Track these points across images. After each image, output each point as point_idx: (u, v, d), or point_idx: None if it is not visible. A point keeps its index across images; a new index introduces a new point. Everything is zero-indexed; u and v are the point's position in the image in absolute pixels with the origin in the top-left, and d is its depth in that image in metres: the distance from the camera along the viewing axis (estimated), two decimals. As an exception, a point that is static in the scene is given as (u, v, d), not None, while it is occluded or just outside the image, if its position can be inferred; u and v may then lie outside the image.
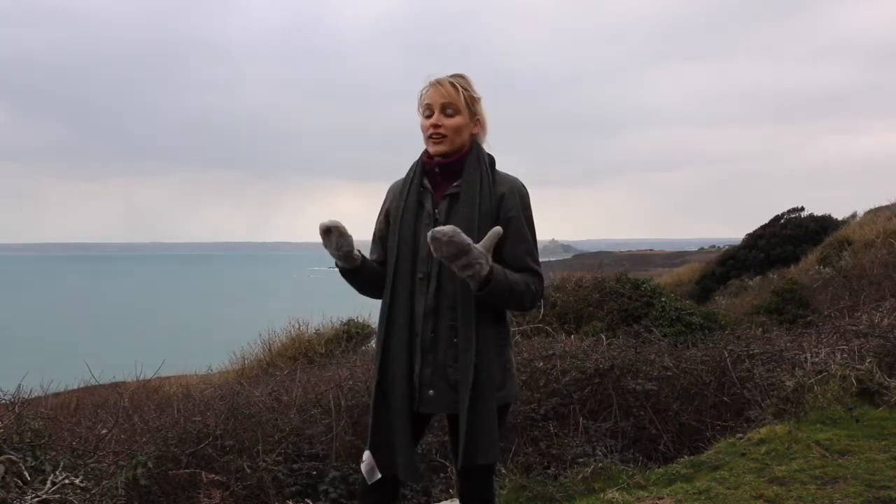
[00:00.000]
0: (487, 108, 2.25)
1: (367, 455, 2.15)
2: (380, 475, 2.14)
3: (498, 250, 2.12)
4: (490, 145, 2.29)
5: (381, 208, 2.32)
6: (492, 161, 2.25)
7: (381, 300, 2.26)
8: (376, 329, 2.27)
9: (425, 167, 2.24)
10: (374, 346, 2.13)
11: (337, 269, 2.22)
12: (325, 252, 2.19)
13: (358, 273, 2.20)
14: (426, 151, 2.25)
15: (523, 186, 2.23)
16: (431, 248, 2.01)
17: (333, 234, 2.10)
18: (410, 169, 2.28)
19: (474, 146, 2.23)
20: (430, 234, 2.00)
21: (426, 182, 2.22)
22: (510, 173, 2.25)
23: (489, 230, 2.09)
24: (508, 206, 2.17)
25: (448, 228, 1.98)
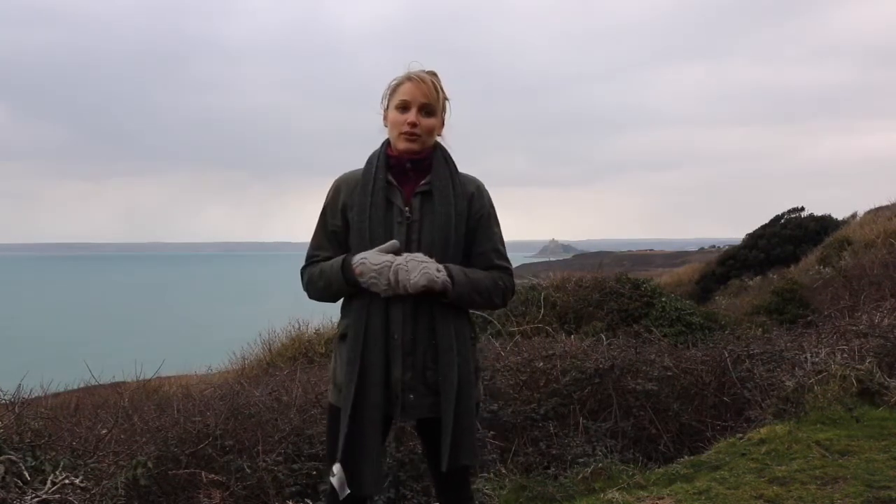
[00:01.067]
0: (459, 106, 2.24)
1: (337, 468, 2.05)
2: (349, 491, 2.05)
3: (467, 249, 2.15)
4: (450, 146, 2.24)
5: (333, 201, 2.19)
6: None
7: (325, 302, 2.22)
8: (342, 333, 2.17)
9: (390, 162, 2.16)
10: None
11: (337, 275, 2.10)
12: None
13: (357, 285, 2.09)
14: (389, 145, 2.18)
15: (484, 185, 2.24)
16: (406, 288, 1.99)
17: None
18: (369, 162, 2.18)
19: (437, 145, 2.20)
20: (407, 282, 1.98)
21: (391, 178, 2.14)
22: (482, 175, 2.25)
23: (462, 228, 2.11)
24: (478, 206, 2.18)
25: (415, 273, 1.98)
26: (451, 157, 2.21)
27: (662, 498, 3.40)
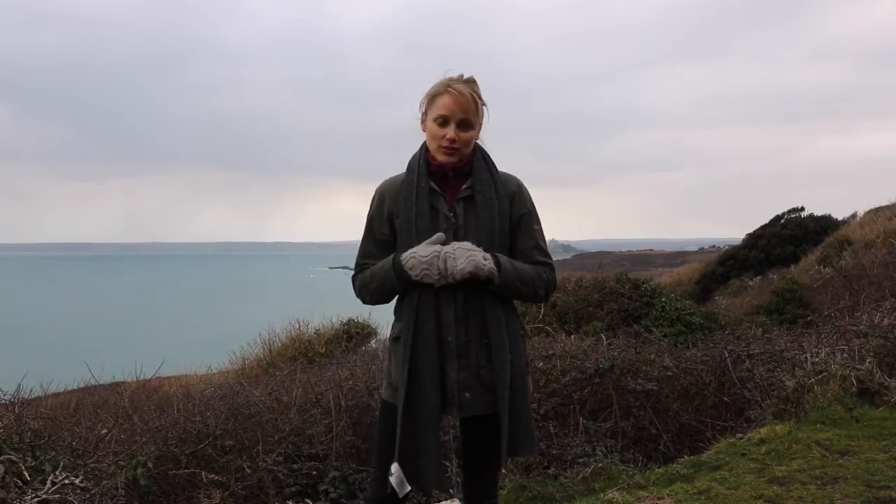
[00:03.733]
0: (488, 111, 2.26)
1: (395, 467, 2.11)
2: (409, 488, 2.12)
3: (511, 246, 2.20)
4: (484, 143, 2.29)
5: (378, 209, 2.23)
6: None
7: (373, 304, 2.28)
8: (395, 336, 2.22)
9: (431, 168, 2.18)
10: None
11: (389, 274, 2.15)
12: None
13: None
14: (428, 151, 2.20)
15: (523, 183, 2.28)
16: (453, 275, 2.06)
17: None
18: (410, 168, 2.20)
19: (477, 147, 2.23)
20: (452, 271, 2.05)
21: (433, 184, 2.17)
22: (508, 172, 2.28)
23: (506, 227, 2.17)
24: (519, 204, 2.22)
25: (462, 260, 2.05)
26: (490, 158, 2.25)
27: (662, 498, 3.40)
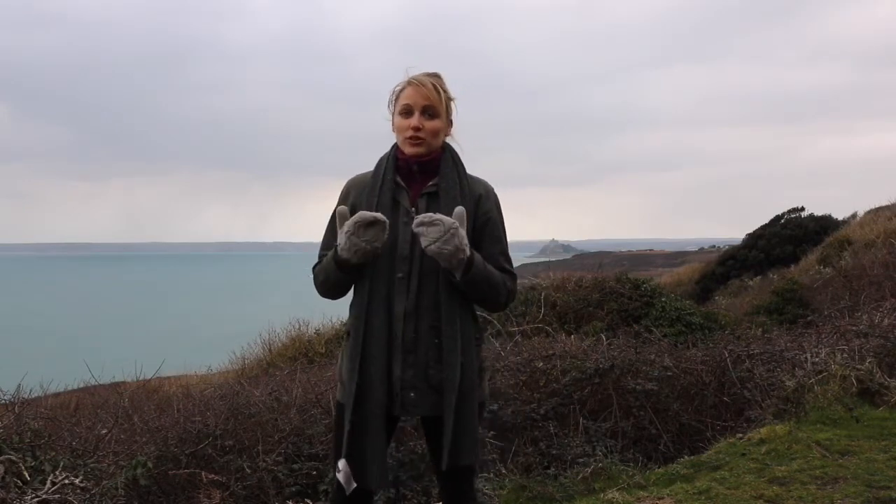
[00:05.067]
0: (458, 108, 2.24)
1: (342, 464, 2.07)
2: (356, 485, 2.07)
3: (475, 249, 2.13)
4: (460, 146, 2.26)
5: (344, 203, 2.19)
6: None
7: (331, 299, 2.23)
8: (346, 330, 2.18)
9: (399, 164, 2.18)
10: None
11: (330, 264, 2.09)
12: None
13: (360, 270, 2.09)
14: (397, 147, 2.20)
15: (494, 189, 2.25)
16: (421, 233, 1.99)
17: (377, 228, 2.01)
18: (379, 164, 2.20)
19: (447, 146, 2.22)
20: (419, 218, 2.00)
21: (399, 179, 2.16)
22: (481, 176, 2.25)
23: (467, 230, 2.09)
24: (486, 208, 2.18)
25: (430, 214, 2.00)
26: (459, 159, 2.22)
27: (662, 498, 3.40)
